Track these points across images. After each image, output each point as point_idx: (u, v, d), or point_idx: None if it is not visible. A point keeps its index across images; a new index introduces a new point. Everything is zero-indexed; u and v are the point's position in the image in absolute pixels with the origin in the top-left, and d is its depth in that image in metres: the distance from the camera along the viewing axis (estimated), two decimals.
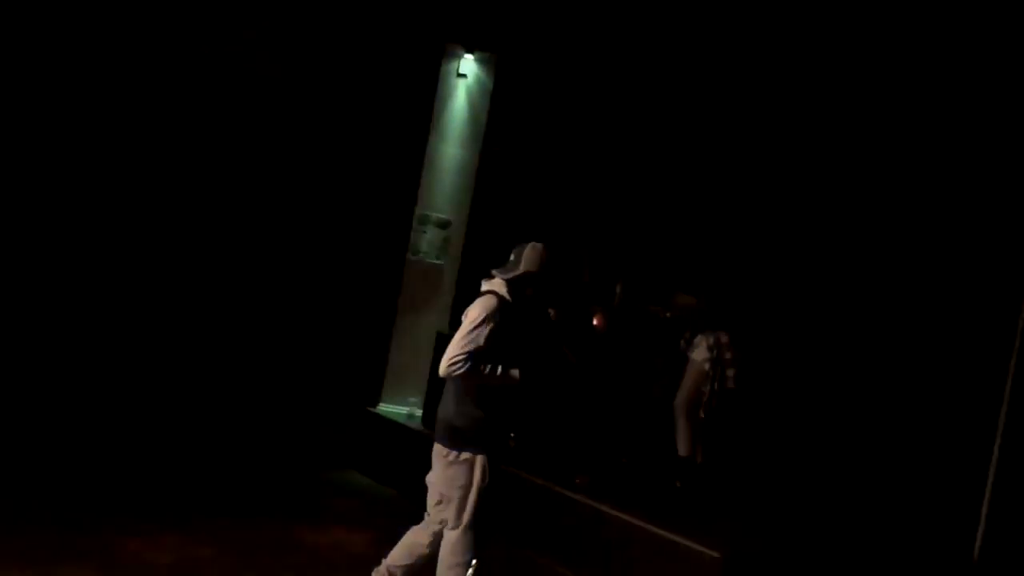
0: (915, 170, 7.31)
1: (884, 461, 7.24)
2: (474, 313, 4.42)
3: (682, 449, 6.87)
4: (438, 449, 4.51)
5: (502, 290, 4.53)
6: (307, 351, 8.64)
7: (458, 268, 8.48)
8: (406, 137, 8.59)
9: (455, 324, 8.08)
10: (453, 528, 4.46)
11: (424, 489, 4.72)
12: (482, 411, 4.50)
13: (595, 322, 7.05)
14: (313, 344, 8.66)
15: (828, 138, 7.73)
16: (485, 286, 4.59)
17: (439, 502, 4.51)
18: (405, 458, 7.66)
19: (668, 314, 7.04)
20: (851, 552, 6.20)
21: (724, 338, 6.71)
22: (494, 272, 4.62)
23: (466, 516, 4.45)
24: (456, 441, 4.46)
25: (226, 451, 7.78)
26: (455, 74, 8.43)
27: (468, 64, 8.41)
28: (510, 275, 4.56)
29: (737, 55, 7.72)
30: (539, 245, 4.64)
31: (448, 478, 4.46)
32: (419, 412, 8.05)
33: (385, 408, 8.21)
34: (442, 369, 4.42)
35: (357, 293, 8.67)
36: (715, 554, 5.37)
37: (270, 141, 8.59)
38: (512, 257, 4.61)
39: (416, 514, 6.94)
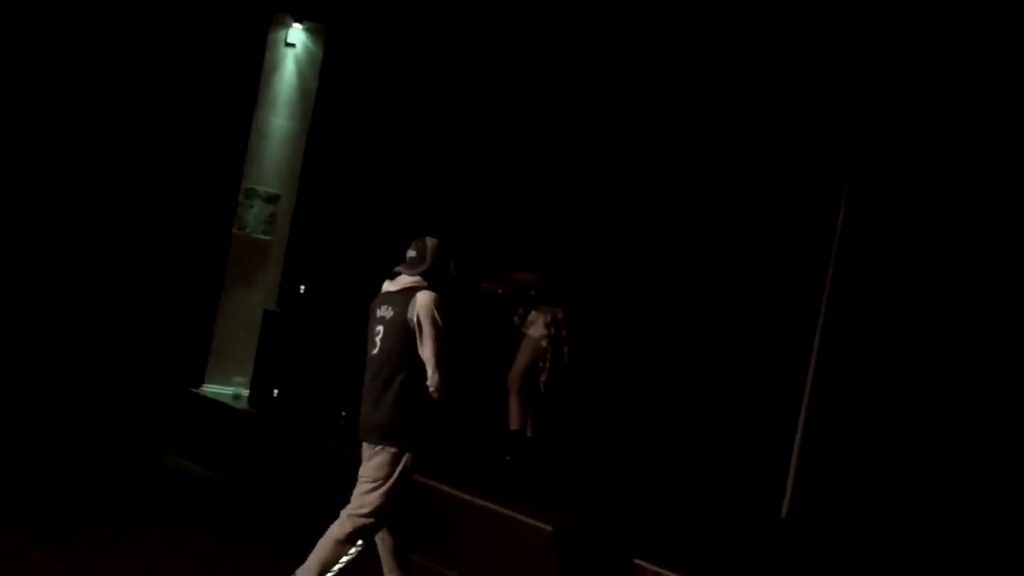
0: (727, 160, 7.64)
1: (699, 428, 7.56)
2: (429, 319, 4.33)
3: (513, 423, 6.94)
4: (369, 447, 4.44)
5: (423, 285, 4.45)
6: (126, 331, 8.21)
7: (286, 243, 8.26)
8: (232, 108, 8.28)
9: (284, 301, 7.96)
10: (360, 510, 4.40)
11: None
12: (415, 408, 4.43)
13: None
14: (133, 323, 8.23)
15: (651, 120, 7.95)
16: (405, 283, 4.46)
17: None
18: (231, 441, 7.43)
19: (501, 291, 7.08)
20: (674, 518, 6.44)
21: (560, 315, 6.81)
22: (402, 270, 4.50)
23: (380, 504, 4.38)
24: (389, 437, 4.39)
25: (41, 437, 7.28)
26: (283, 43, 8.18)
27: (297, 33, 8.17)
28: (420, 270, 4.47)
29: (563, 28, 7.81)
30: (435, 240, 4.56)
31: (376, 465, 4.39)
32: (245, 392, 7.82)
33: (210, 389, 7.92)
34: (440, 394, 4.38)
35: (180, 269, 8.30)
36: (547, 527, 5.46)
37: (88, 112, 8.08)
38: (415, 253, 4.51)
39: (243, 501, 6.79)
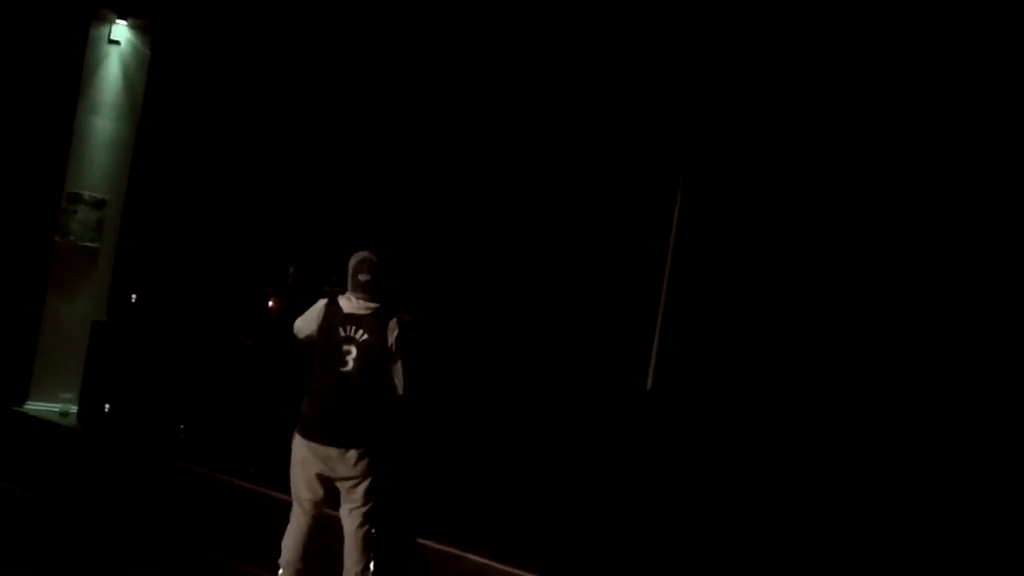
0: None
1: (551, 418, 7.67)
2: (397, 340, 5.06)
3: None
4: (342, 450, 4.95)
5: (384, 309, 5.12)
6: None
7: (115, 250, 7.89)
8: (51, 109, 7.85)
9: (114, 311, 7.60)
10: (366, 504, 5.05)
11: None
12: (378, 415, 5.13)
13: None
14: None
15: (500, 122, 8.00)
16: (369, 307, 5.03)
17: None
18: (59, 461, 7.04)
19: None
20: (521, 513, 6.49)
21: (407, 317, 6.77)
22: (361, 294, 5.02)
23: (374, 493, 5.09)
24: (365, 441, 4.99)
25: None
26: (106, 41, 7.80)
27: (121, 30, 7.81)
28: (377, 294, 5.09)
29: (406, 31, 7.77)
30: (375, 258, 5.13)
31: (357, 464, 4.96)
32: (73, 409, 7.43)
33: (34, 406, 7.49)
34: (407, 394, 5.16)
35: None
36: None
37: None
38: (369, 276, 5.02)
39: (71, 525, 6.43)
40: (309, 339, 5.09)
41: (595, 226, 7.64)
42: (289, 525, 5.08)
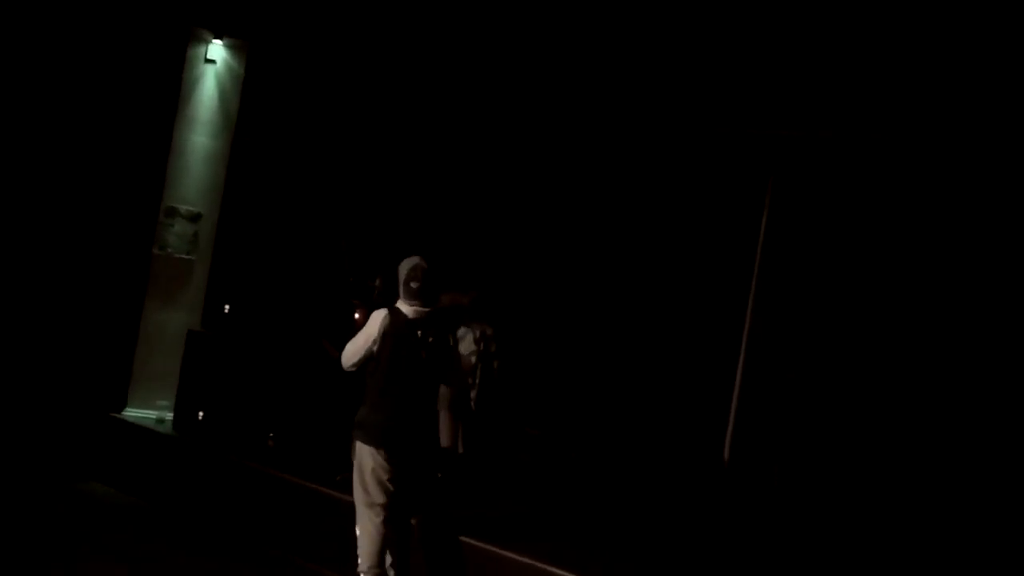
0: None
1: (631, 445, 7.63)
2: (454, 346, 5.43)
3: (444, 440, 6.89)
4: (414, 455, 5.07)
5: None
6: (46, 355, 7.98)
7: (210, 262, 8.12)
8: (150, 126, 8.12)
9: (207, 321, 7.81)
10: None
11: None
12: None
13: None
14: (52, 348, 8.00)
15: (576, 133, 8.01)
16: (426, 314, 5.10)
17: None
18: (155, 466, 7.27)
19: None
20: (606, 535, 6.47)
21: (489, 331, 6.81)
22: (417, 303, 5.08)
23: None
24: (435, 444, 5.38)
25: None
26: (203, 60, 8.05)
27: (217, 49, 8.05)
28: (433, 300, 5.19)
29: (491, 45, 7.83)
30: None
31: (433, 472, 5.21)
32: (169, 416, 7.64)
33: (132, 413, 7.74)
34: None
35: (99, 291, 8.10)
36: (480, 543, 5.45)
37: (3, 131, 7.85)
38: (422, 284, 5.07)
39: (167, 528, 6.64)
40: (369, 354, 4.99)
41: (683, 236, 7.59)
42: (366, 530, 5.01)
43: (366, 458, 4.98)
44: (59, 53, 7.96)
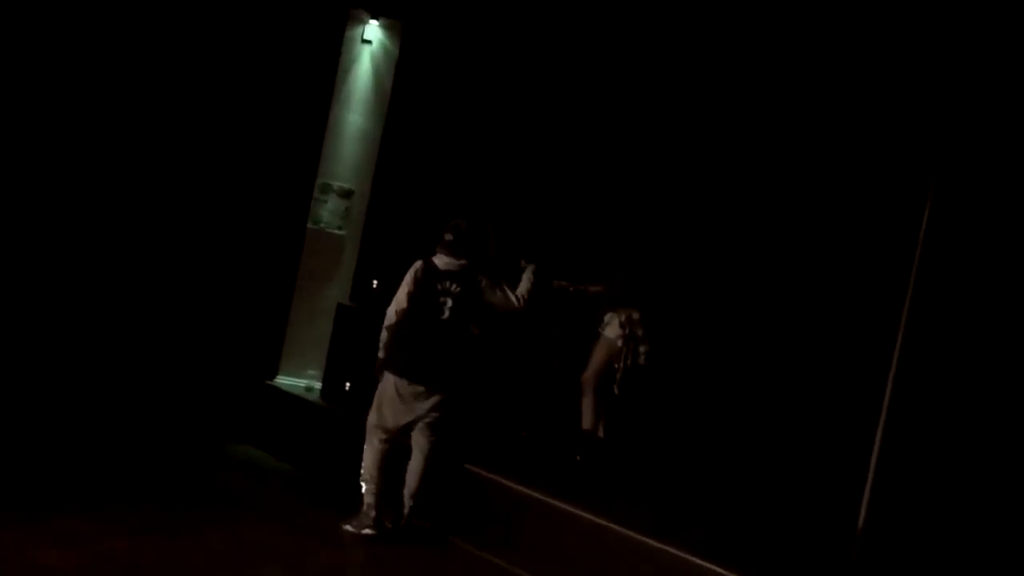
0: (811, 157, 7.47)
1: (776, 439, 7.42)
2: (489, 286, 5.94)
3: (586, 423, 6.90)
4: (429, 389, 5.89)
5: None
6: (204, 323, 8.37)
7: (360, 238, 8.33)
8: (308, 104, 8.36)
9: (356, 295, 8.02)
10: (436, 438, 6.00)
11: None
12: None
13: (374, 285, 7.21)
14: (210, 316, 8.39)
15: (731, 119, 7.82)
16: (457, 266, 5.89)
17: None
18: (303, 432, 7.53)
19: (572, 289, 7.05)
20: (743, 527, 6.34)
21: (636, 315, 6.76)
22: (449, 254, 5.89)
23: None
24: (450, 383, 5.99)
25: (122, 428, 7.46)
26: (359, 40, 8.23)
27: (373, 30, 8.22)
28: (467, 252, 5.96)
29: (646, 26, 7.72)
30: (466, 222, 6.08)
31: (438, 403, 5.91)
32: (318, 385, 7.91)
33: (283, 381, 8.04)
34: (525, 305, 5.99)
35: (255, 263, 8.42)
36: (615, 527, 5.42)
37: (168, 108, 8.24)
38: (454, 238, 5.94)
39: (313, 491, 6.88)
40: (411, 298, 5.86)
41: (839, 240, 7.31)
42: (370, 448, 5.97)
43: (388, 385, 5.89)
44: (225, 35, 8.28)
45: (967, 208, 6.44)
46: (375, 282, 7.80)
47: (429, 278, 5.86)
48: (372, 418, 6.00)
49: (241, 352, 8.28)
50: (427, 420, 5.88)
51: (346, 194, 8.25)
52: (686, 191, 8.04)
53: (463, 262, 5.85)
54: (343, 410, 7.42)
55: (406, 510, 5.97)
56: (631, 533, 5.40)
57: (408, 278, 5.92)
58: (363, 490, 5.96)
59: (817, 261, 7.44)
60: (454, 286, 5.82)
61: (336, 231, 8.23)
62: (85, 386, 7.80)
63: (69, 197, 7.94)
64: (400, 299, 5.90)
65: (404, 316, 5.87)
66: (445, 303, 5.81)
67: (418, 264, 5.94)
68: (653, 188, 8.14)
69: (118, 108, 8.08)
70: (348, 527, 5.91)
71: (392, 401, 5.90)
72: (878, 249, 7.07)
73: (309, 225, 8.19)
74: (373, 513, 5.88)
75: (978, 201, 6.41)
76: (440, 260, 5.89)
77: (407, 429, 5.95)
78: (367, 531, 5.86)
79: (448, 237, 5.89)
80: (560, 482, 6.11)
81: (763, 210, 7.69)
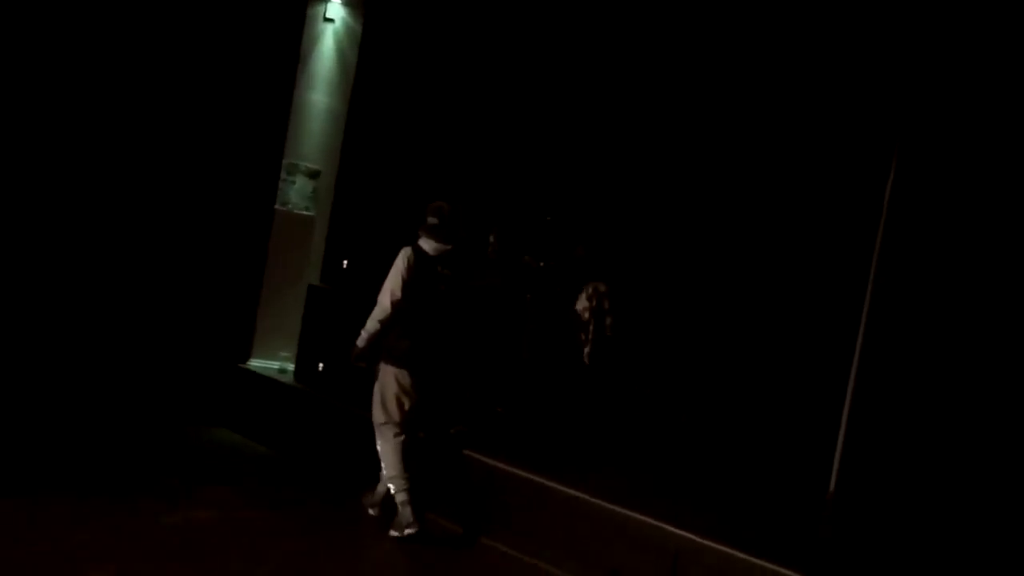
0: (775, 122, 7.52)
1: (747, 403, 7.52)
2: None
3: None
4: (431, 376, 5.83)
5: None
6: (175, 308, 8.34)
7: (328, 218, 8.31)
8: (271, 85, 8.31)
9: (327, 276, 8.01)
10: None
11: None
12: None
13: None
14: (181, 301, 8.35)
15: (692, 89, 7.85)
16: (444, 250, 5.76)
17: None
18: (278, 414, 7.54)
19: (541, 263, 7.07)
20: (715, 490, 6.44)
21: (602, 287, 6.80)
22: (436, 238, 5.73)
23: None
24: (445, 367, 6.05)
25: (96, 414, 7.43)
26: (322, 19, 8.18)
27: (335, 8, 8.17)
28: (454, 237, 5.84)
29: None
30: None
31: (434, 391, 5.88)
32: (291, 367, 7.91)
33: (256, 364, 8.03)
34: None
35: (224, 247, 8.39)
36: (586, 497, 5.49)
37: (132, 93, 8.16)
38: (439, 222, 5.76)
39: (289, 472, 6.91)
40: (406, 288, 5.63)
41: (804, 205, 7.38)
42: (387, 445, 5.74)
43: (390, 379, 5.71)
44: (186, 18, 8.19)
45: (931, 175, 6.53)
46: (345, 262, 7.79)
47: (422, 265, 5.67)
48: (379, 416, 5.78)
49: (213, 336, 8.26)
50: (426, 406, 5.83)
51: (313, 174, 8.22)
52: (650, 161, 8.09)
53: (450, 247, 5.74)
54: (317, 391, 7.43)
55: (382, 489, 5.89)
56: (609, 505, 5.48)
57: (400, 267, 5.62)
58: (392, 491, 5.70)
59: (785, 229, 7.52)
60: (445, 270, 5.73)
61: (304, 212, 8.21)
62: (57, 373, 7.76)
63: (37, 183, 7.86)
64: (395, 290, 5.61)
65: (399, 305, 5.64)
66: (440, 289, 5.72)
67: (408, 251, 5.67)
68: (616, 160, 8.18)
69: (82, 93, 8.00)
70: (393, 532, 5.66)
71: (397, 394, 5.70)
72: (844, 216, 7.15)
73: (277, 206, 8.16)
74: (410, 509, 5.62)
75: (942, 167, 6.50)
76: (428, 245, 5.72)
77: (416, 418, 5.82)
78: (410, 530, 5.59)
79: (433, 221, 5.72)
80: (537, 456, 6.17)
81: (730, 177, 7.75)
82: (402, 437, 5.73)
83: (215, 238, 8.43)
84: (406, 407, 5.72)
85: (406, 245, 5.72)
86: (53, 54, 7.85)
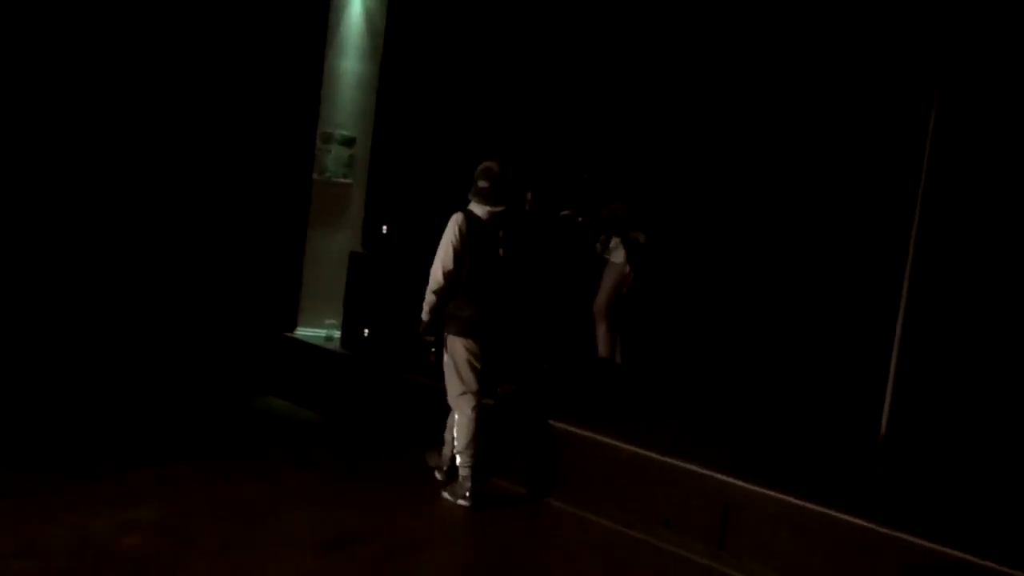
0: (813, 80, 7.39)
1: (793, 349, 7.47)
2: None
3: (602, 350, 6.97)
4: (500, 344, 5.71)
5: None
6: (221, 282, 8.44)
7: (366, 185, 8.34)
8: (302, 53, 8.31)
9: (368, 242, 8.06)
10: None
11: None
12: None
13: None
14: (226, 275, 8.45)
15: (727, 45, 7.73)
16: (497, 213, 5.59)
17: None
18: (326, 380, 7.64)
19: (580, 219, 7.05)
20: (765, 438, 6.43)
21: (642, 239, 6.75)
22: (487, 202, 5.55)
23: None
24: (514, 334, 6.01)
25: (148, 388, 7.58)
26: None
27: None
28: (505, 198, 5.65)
29: None
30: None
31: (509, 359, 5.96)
32: (337, 334, 7.98)
33: (303, 332, 8.12)
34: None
35: (265, 218, 8.46)
36: (638, 450, 5.52)
37: (164, 69, 8.21)
38: (490, 184, 5.54)
39: (340, 437, 7.01)
40: (458, 254, 5.46)
41: (842, 145, 7.26)
42: (462, 418, 5.63)
43: (459, 349, 5.56)
44: None
45: (974, 119, 6.40)
46: (384, 227, 7.82)
47: (475, 231, 5.49)
48: (455, 387, 5.67)
49: (259, 307, 8.35)
50: (497, 374, 5.75)
51: (348, 142, 8.24)
52: (684, 114, 7.99)
53: (502, 208, 5.55)
54: (363, 357, 7.51)
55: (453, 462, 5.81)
56: (651, 454, 5.51)
57: (449, 235, 5.46)
58: (458, 462, 5.67)
59: (828, 172, 7.41)
60: (501, 233, 5.55)
61: (342, 179, 8.24)
62: (109, 348, 7.92)
63: (86, 159, 7.98)
64: (447, 260, 5.45)
65: (453, 276, 5.49)
66: (498, 253, 5.54)
67: (458, 218, 5.49)
68: (651, 114, 8.09)
69: (116, 70, 8.07)
70: (446, 494, 5.73)
71: (469, 361, 5.58)
72: (889, 159, 7.03)
73: (315, 176, 8.20)
74: (469, 484, 5.63)
75: (986, 109, 6.36)
76: (480, 209, 5.53)
77: (489, 389, 5.77)
78: (462, 502, 5.62)
79: (483, 184, 5.50)
80: (584, 411, 6.20)
81: (767, 123, 7.64)
82: (477, 412, 5.64)
83: (257, 211, 8.50)
84: (482, 377, 5.62)
85: (457, 211, 5.56)
86: (90, 38, 7.91)
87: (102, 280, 8.13)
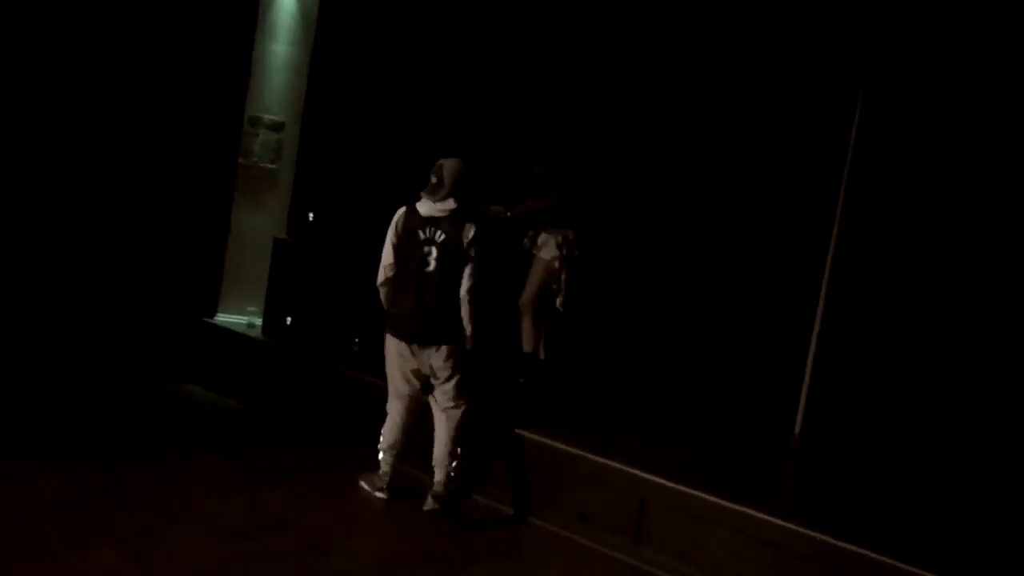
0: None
1: (713, 347, 7.60)
2: (472, 241, 5.31)
3: (527, 346, 6.97)
4: (431, 347, 5.39)
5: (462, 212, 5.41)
6: (140, 265, 8.24)
7: (293, 171, 8.22)
8: (231, 36, 8.15)
9: (293, 229, 7.96)
10: (456, 400, 5.51)
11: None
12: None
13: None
14: (146, 257, 8.25)
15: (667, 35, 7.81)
16: (444, 211, 5.31)
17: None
18: (247, 368, 7.52)
19: (509, 213, 7.04)
20: (683, 435, 6.52)
21: (571, 235, 6.77)
22: (435, 199, 5.32)
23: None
24: (453, 338, 5.41)
25: (62, 372, 7.37)
26: None
27: None
28: (451, 196, 5.35)
29: None
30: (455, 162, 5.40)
31: (447, 361, 5.40)
32: (259, 321, 7.86)
33: (223, 318, 7.98)
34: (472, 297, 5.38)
35: (188, 202, 8.28)
36: (560, 445, 5.55)
37: (93, 46, 7.98)
38: (438, 181, 5.31)
39: (260, 426, 6.92)
40: (395, 251, 5.37)
41: (769, 145, 7.41)
42: (389, 416, 5.60)
43: (391, 349, 5.49)
44: None
45: (897, 117, 6.57)
46: (311, 215, 7.73)
47: (410, 227, 5.34)
48: (389, 384, 5.62)
49: (179, 292, 8.18)
50: (441, 380, 5.45)
51: (276, 127, 8.12)
52: (617, 104, 8.05)
53: (449, 206, 5.31)
54: (285, 345, 7.41)
55: (436, 479, 5.55)
56: (572, 449, 5.54)
57: (390, 230, 5.36)
58: (380, 457, 5.64)
59: (749, 173, 7.54)
60: (439, 233, 5.28)
61: (268, 165, 8.11)
62: (21, 331, 7.68)
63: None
64: (385, 254, 5.37)
65: (392, 270, 5.38)
66: (430, 253, 5.28)
67: (400, 212, 5.39)
68: (582, 107, 8.14)
69: (42, 46, 7.82)
70: (363, 483, 5.70)
71: (400, 364, 5.48)
72: (811, 156, 7.20)
73: (240, 160, 8.06)
74: (387, 480, 5.60)
75: (909, 109, 6.54)
76: (423, 206, 5.34)
77: (425, 388, 5.57)
78: (380, 494, 5.59)
79: (432, 180, 5.33)
80: (506, 404, 6.21)
81: (698, 115, 7.75)
82: (407, 414, 5.57)
83: (179, 194, 8.30)
84: (410, 376, 5.49)
85: (402, 206, 5.44)
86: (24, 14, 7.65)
87: (11, 261, 7.87)
